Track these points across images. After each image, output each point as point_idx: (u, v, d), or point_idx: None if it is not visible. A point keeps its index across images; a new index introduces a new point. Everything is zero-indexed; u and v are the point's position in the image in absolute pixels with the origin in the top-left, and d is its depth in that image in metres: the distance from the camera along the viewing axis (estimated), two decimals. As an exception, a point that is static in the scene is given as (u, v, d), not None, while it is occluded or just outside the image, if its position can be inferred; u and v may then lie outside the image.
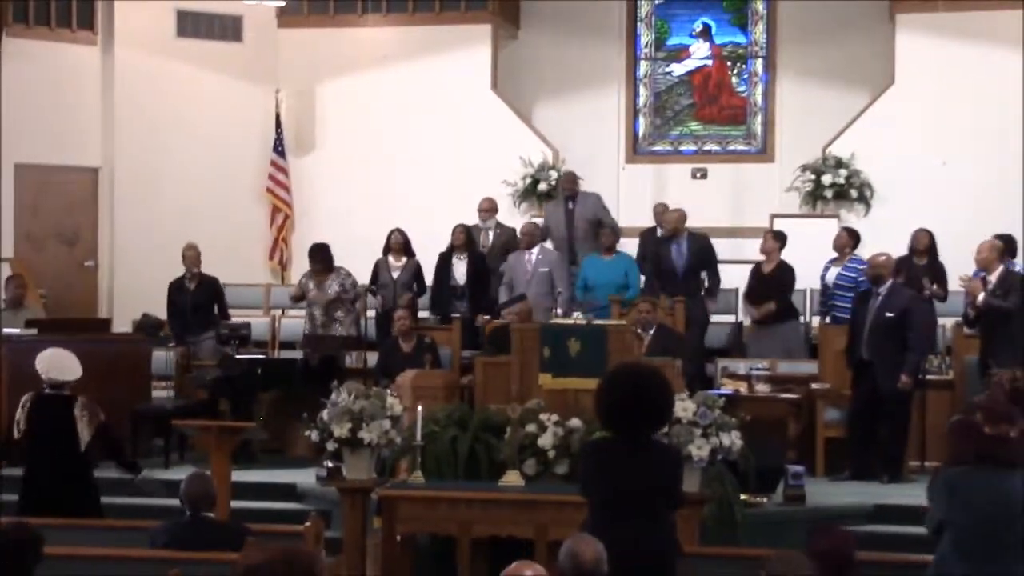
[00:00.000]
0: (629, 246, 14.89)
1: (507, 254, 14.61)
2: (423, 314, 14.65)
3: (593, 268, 14.10)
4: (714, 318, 14.24)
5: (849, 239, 14.04)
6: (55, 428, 9.61)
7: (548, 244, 14.57)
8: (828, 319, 13.70)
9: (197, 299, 14.12)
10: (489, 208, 15.09)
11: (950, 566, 6.83)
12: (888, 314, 11.78)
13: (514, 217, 16.11)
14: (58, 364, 9.79)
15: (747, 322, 14.39)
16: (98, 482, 10.03)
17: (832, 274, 13.88)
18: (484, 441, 9.75)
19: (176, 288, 14.18)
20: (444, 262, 14.33)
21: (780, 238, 14.03)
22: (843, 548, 6.11)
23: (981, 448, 6.83)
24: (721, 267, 14.21)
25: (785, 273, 13.81)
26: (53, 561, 6.47)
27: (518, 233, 14.66)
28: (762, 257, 14.02)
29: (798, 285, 14.05)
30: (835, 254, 13.99)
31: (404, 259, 14.42)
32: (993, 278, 11.93)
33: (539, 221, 15.20)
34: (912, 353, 11.78)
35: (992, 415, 6.93)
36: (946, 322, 13.39)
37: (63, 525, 8.33)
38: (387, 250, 14.48)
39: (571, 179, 15.27)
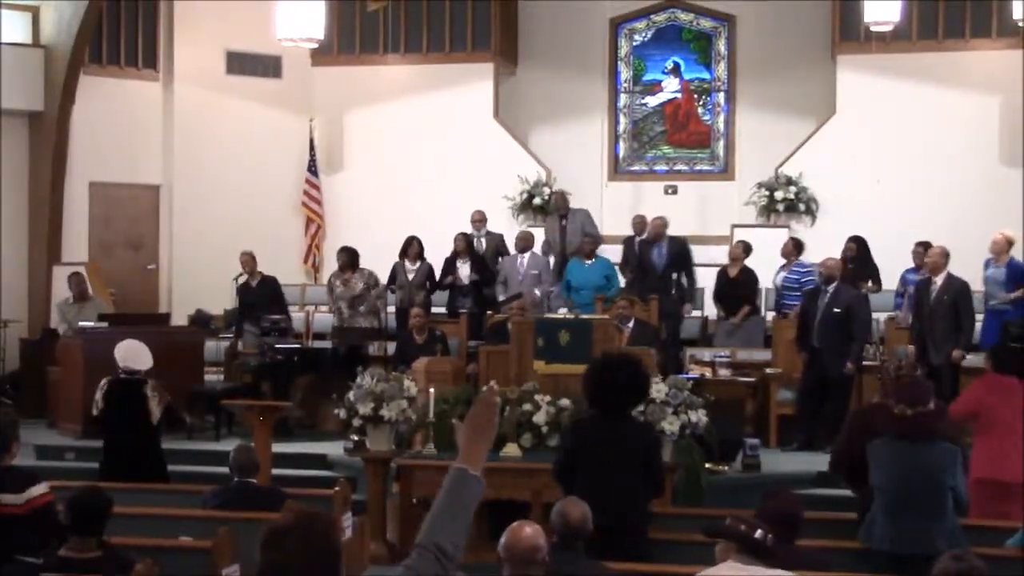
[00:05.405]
0: (612, 253, 14.87)
1: (497, 256, 14.72)
2: (438, 309, 14.67)
3: (575, 271, 14.10)
4: (685, 312, 14.21)
5: (794, 248, 14.07)
6: (130, 407, 9.65)
7: (537, 249, 14.59)
8: (780, 315, 13.71)
9: (259, 295, 14.10)
10: (480, 219, 15.13)
11: (878, 526, 6.85)
12: (835, 309, 11.77)
13: (512, 227, 16.09)
14: (134, 355, 9.84)
15: (712, 316, 14.38)
16: (164, 452, 10.08)
17: (779, 277, 13.94)
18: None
19: (244, 287, 14.21)
20: (450, 265, 14.43)
21: (747, 248, 14.04)
22: (793, 509, 6.13)
23: (898, 426, 6.83)
24: (694, 278, 14.21)
25: (749, 276, 13.82)
26: (123, 520, 6.50)
27: (514, 239, 14.70)
28: (727, 260, 14.03)
29: (756, 285, 14.05)
30: (786, 260, 14.01)
31: (418, 263, 14.45)
32: (939, 280, 11.82)
33: (534, 231, 15.20)
34: (856, 343, 11.77)
35: (906, 397, 6.92)
36: (880, 316, 13.39)
37: (131, 488, 8.36)
38: (403, 254, 14.50)
39: (562, 198, 15.32)
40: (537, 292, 13.82)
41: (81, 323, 13.20)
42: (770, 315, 14.31)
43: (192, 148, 16.86)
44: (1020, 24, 14.70)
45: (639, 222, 14.88)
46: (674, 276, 14.00)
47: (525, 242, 14.38)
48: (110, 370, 9.93)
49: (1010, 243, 12.93)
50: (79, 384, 12.21)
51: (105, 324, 13.00)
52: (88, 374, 11.73)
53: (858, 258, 13.71)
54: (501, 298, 13.97)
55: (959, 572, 4.20)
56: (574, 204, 15.40)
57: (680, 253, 13.99)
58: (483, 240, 14.98)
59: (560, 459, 6.98)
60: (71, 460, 11.78)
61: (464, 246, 14.41)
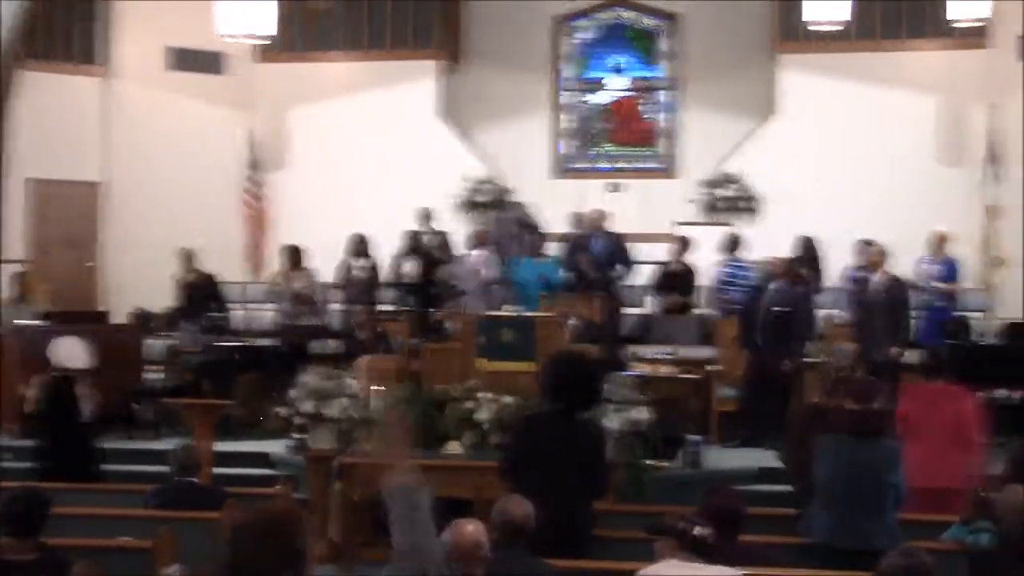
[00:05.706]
0: (556, 250, 14.89)
1: (443, 254, 14.75)
2: (382, 307, 14.63)
3: (522, 269, 14.11)
4: (625, 309, 14.29)
5: (732, 243, 14.16)
6: (63, 406, 9.55)
7: (485, 246, 14.59)
8: (719, 310, 13.81)
9: (200, 293, 14.00)
10: (426, 216, 15.12)
11: (819, 520, 6.91)
12: (777, 307, 11.83)
13: (457, 224, 16.05)
14: (70, 353, 9.74)
15: (652, 312, 14.45)
16: (101, 451, 9.98)
17: (717, 272, 14.04)
18: (430, 415, 9.73)
19: (184, 284, 14.11)
20: (396, 263, 14.41)
21: (688, 244, 14.15)
22: (735, 505, 6.16)
23: (848, 423, 6.89)
24: (632, 266, 14.29)
25: (689, 272, 13.92)
26: (61, 520, 6.42)
27: (459, 237, 14.69)
28: (668, 257, 14.13)
29: (696, 281, 14.15)
30: (724, 255, 14.12)
31: (363, 260, 14.41)
32: (878, 277, 11.95)
33: (481, 228, 15.19)
34: (796, 341, 11.84)
35: (856, 394, 6.98)
36: (822, 313, 13.49)
37: (70, 489, 8.26)
38: (348, 252, 14.45)
39: (507, 194, 15.31)
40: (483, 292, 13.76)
41: (19, 321, 13.05)
42: (709, 311, 14.41)
43: (133, 144, 16.71)
44: (955, 25, 14.90)
45: (581, 219, 14.94)
46: (613, 272, 14.07)
47: (474, 239, 14.36)
48: (46, 368, 9.82)
49: (944, 240, 13.17)
50: (18, 384, 12.05)
51: (44, 322, 12.84)
52: (27, 373, 11.58)
53: (804, 257, 13.82)
54: (448, 294, 13.95)
55: (908, 567, 4.23)
56: (514, 199, 15.43)
57: (618, 248, 14.07)
58: (429, 237, 14.96)
59: (508, 455, 6.97)
60: (9, 460, 11.62)
61: (410, 244, 14.40)
